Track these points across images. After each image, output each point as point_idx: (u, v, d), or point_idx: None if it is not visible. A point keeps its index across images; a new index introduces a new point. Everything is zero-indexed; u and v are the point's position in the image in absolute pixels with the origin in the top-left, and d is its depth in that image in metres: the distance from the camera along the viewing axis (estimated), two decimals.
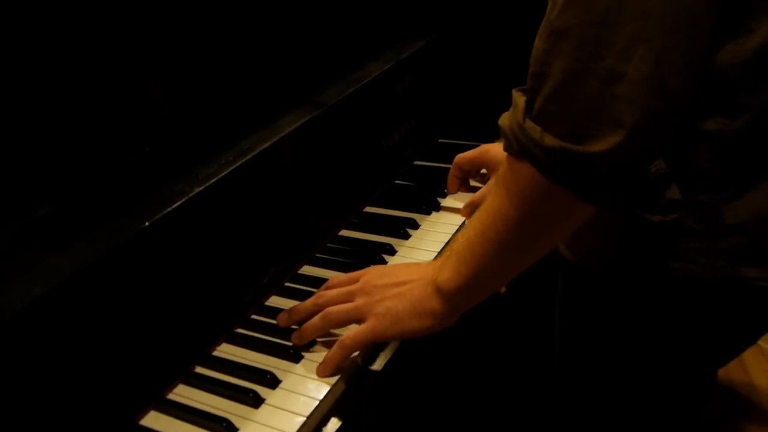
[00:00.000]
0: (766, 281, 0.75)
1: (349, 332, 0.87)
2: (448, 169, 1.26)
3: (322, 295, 0.92)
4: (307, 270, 1.05)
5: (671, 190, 0.72)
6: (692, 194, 0.74)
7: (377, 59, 1.30)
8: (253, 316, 0.97)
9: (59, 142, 0.89)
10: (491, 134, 1.42)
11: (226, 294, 0.94)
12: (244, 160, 0.97)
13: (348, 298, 0.90)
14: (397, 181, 1.28)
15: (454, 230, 1.13)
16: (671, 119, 0.66)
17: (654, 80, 0.63)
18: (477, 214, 0.81)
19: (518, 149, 0.71)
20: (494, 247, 0.78)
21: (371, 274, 0.92)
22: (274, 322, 0.94)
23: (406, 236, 1.12)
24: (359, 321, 0.88)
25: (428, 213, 1.18)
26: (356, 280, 0.92)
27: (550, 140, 0.68)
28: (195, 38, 1.03)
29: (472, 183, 1.26)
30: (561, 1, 0.66)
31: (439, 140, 1.42)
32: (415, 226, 1.14)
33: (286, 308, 0.95)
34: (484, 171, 1.25)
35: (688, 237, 0.75)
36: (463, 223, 1.15)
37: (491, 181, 1.19)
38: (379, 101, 1.25)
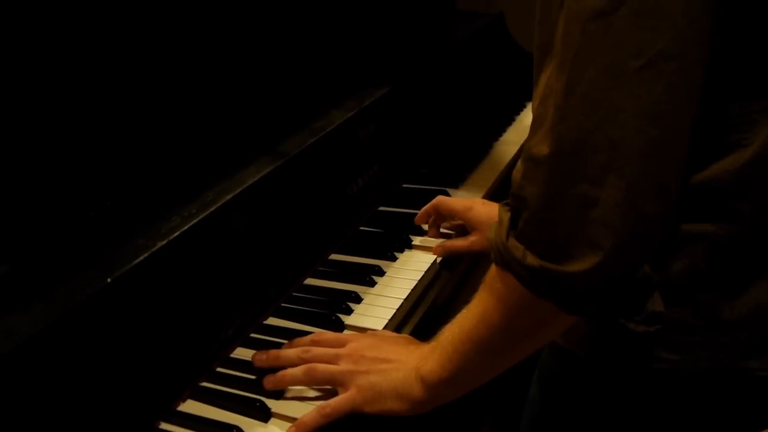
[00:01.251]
0: (766, 371, 0.76)
1: (331, 401, 0.87)
2: (413, 214, 1.27)
3: (309, 350, 0.92)
4: (273, 321, 1.05)
5: (654, 301, 0.74)
6: (691, 293, 0.75)
7: (340, 107, 1.31)
8: (219, 369, 0.96)
9: (17, 196, 0.88)
10: (456, 179, 1.44)
11: (191, 347, 0.93)
12: (207, 212, 0.97)
13: (334, 360, 0.91)
14: (362, 228, 1.28)
15: (419, 276, 1.13)
16: (649, 238, 0.68)
17: (627, 205, 0.65)
18: (464, 311, 0.83)
19: (503, 264, 0.74)
20: (477, 348, 0.81)
21: (361, 343, 0.92)
22: (240, 374, 0.94)
23: (372, 284, 1.11)
24: (340, 386, 0.89)
25: (393, 259, 1.18)
26: (344, 343, 0.92)
27: (531, 259, 0.70)
28: (154, 89, 1.03)
29: (443, 229, 1.26)
30: (540, 131, 0.69)
31: (404, 185, 1.43)
32: (381, 273, 1.14)
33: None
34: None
35: (688, 332, 0.76)
36: (434, 261, 1.17)
37: (471, 238, 1.20)
38: (343, 149, 1.26)
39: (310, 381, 0.90)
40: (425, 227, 1.26)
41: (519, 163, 0.74)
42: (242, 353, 0.98)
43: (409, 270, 1.16)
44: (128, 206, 0.98)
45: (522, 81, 1.87)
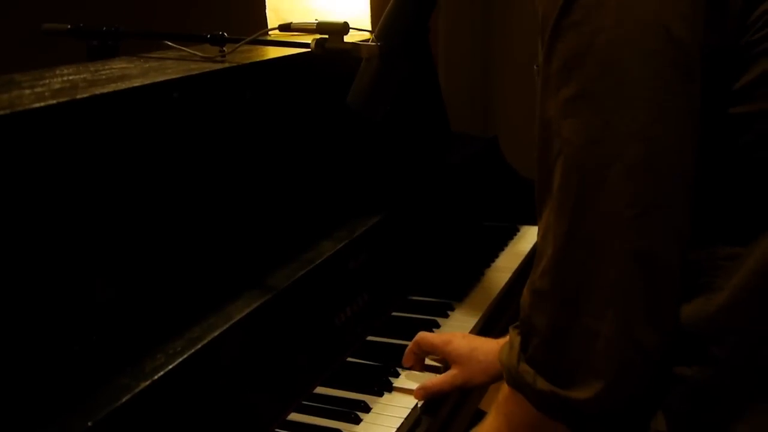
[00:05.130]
0: None
1: None
2: (402, 345, 1.27)
3: None
4: None
5: (657, 421, 0.77)
6: (676, 429, 0.79)
7: (330, 237, 1.32)
8: None
9: None
10: (446, 308, 1.44)
11: None
12: (192, 350, 0.97)
13: None
14: (349, 359, 1.28)
15: (405, 414, 1.12)
16: (647, 369, 0.73)
17: (626, 338, 0.71)
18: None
19: (515, 386, 0.79)
20: None
21: None
22: None
23: (357, 421, 1.11)
24: None
25: (380, 394, 1.18)
26: None
27: (541, 384, 0.76)
28: (141, 226, 1.04)
29: (428, 361, 1.27)
30: (541, 266, 0.76)
31: (393, 313, 1.43)
32: (367, 409, 1.13)
33: None
34: None
35: None
36: (415, 406, 1.15)
37: (451, 372, 1.20)
38: (332, 280, 1.27)
39: None
40: None
41: (525, 292, 0.79)
42: None
43: (394, 406, 1.15)
44: (113, 341, 0.98)
45: (515, 205, 1.90)
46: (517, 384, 0.79)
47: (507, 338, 0.85)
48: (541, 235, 0.77)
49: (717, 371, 0.76)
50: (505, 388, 0.83)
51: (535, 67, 0.79)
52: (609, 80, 0.70)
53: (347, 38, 1.19)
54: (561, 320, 0.74)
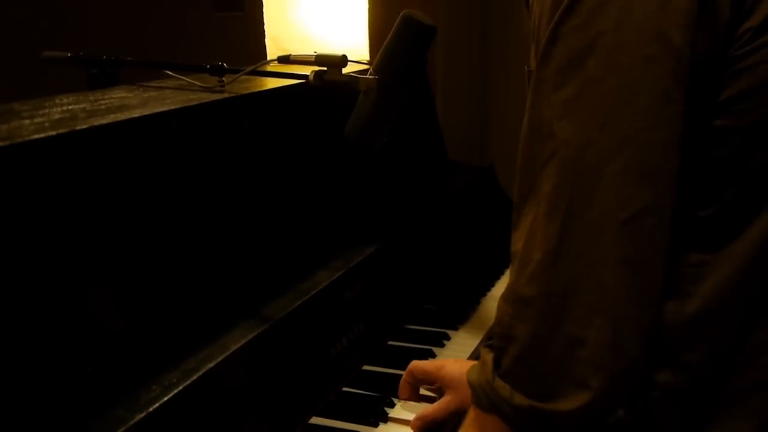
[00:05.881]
0: None
1: None
2: (398, 375, 1.27)
3: None
4: None
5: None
6: None
7: (326, 267, 1.32)
8: None
9: None
10: (442, 337, 1.44)
11: None
12: (188, 382, 0.97)
13: None
14: (344, 389, 1.28)
15: None
16: (633, 377, 0.73)
17: (614, 345, 0.71)
18: None
19: (488, 406, 0.78)
20: None
21: None
22: None
23: None
24: None
25: (375, 425, 1.17)
26: None
27: (519, 399, 0.75)
28: (138, 256, 1.05)
29: (423, 391, 1.26)
30: (527, 272, 0.75)
31: (389, 342, 1.43)
32: None
33: None
34: None
35: None
36: None
37: (445, 399, 1.20)
38: (328, 310, 1.27)
39: None
40: None
41: (503, 304, 0.79)
42: None
43: None
44: (108, 372, 0.98)
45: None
46: (492, 402, 0.77)
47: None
48: (524, 242, 0.77)
49: (690, 377, 0.77)
50: (470, 415, 0.81)
51: (526, 68, 0.80)
52: (608, 83, 0.71)
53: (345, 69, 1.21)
54: (544, 328, 0.74)
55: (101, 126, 1.01)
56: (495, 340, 0.79)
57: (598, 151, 0.71)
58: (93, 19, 3.27)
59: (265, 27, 1.92)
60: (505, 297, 0.79)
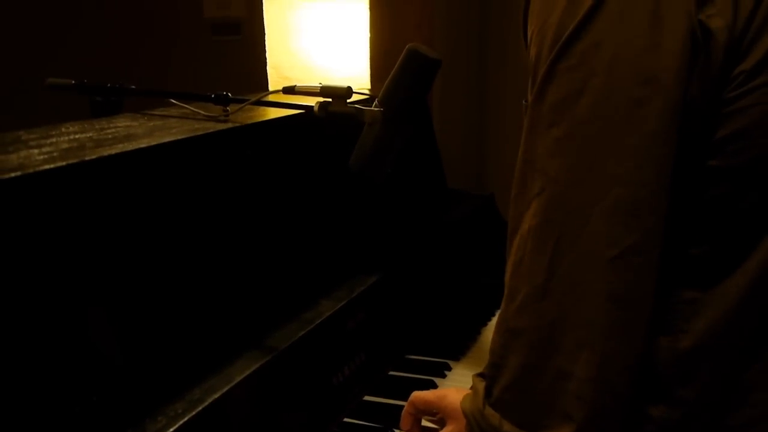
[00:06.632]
0: None
1: None
2: (399, 406, 1.26)
3: None
4: None
5: None
6: None
7: (329, 296, 1.33)
8: None
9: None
10: (443, 367, 1.45)
11: None
12: (194, 413, 0.97)
13: None
14: (346, 419, 1.28)
15: None
16: (618, 412, 0.74)
17: (599, 380, 0.72)
18: None
19: None
20: None
21: None
22: None
23: None
24: None
25: None
26: None
27: (508, 427, 0.77)
28: (144, 286, 1.05)
29: (424, 423, 1.26)
30: (515, 304, 0.76)
31: (390, 373, 1.43)
32: None
33: None
34: None
35: None
36: None
37: (447, 429, 1.20)
38: (331, 340, 1.27)
39: None
40: None
41: (494, 334, 0.80)
42: None
43: None
44: (114, 403, 0.98)
45: None
46: (482, 430, 0.79)
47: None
48: (512, 273, 0.78)
49: (684, 413, 0.77)
50: None
51: (523, 102, 0.81)
52: (598, 124, 0.73)
53: None
54: (533, 359, 0.75)
55: (109, 156, 1.02)
56: (487, 369, 0.81)
57: (587, 189, 0.73)
58: (88, 43, 3.29)
59: (267, 55, 1.94)
60: (496, 327, 0.81)
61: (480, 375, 0.84)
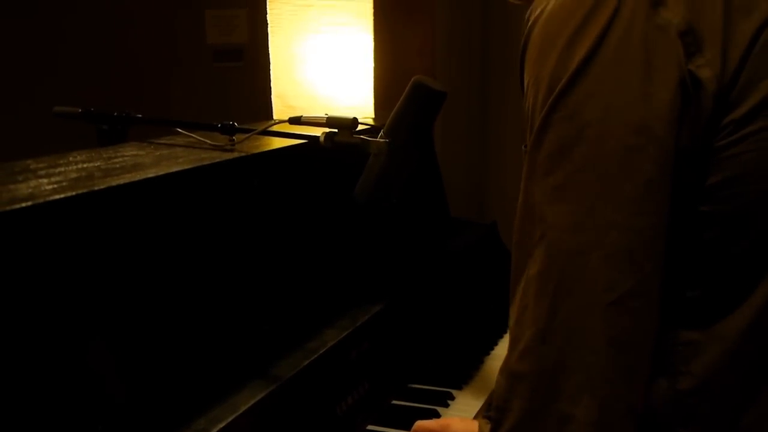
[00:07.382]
0: None
1: None
2: None
3: None
4: None
5: None
6: None
7: (333, 326, 1.33)
8: None
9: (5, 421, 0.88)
10: (446, 396, 1.45)
11: None
12: None
13: None
14: None
15: None
16: None
17: (601, 423, 0.74)
18: None
19: None
20: None
21: None
22: None
23: None
24: None
25: None
26: None
27: None
28: (150, 316, 1.05)
29: None
30: (518, 349, 0.78)
31: (393, 402, 1.43)
32: None
33: None
34: None
35: None
36: None
37: None
38: (335, 369, 1.27)
39: None
40: None
41: (499, 377, 0.82)
42: None
43: None
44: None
45: None
46: None
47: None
48: (516, 319, 0.80)
49: None
50: None
51: (523, 147, 0.83)
52: (594, 172, 0.74)
53: None
54: (536, 403, 0.76)
55: (118, 186, 1.03)
56: (492, 412, 0.82)
57: (585, 235, 0.74)
58: (89, 70, 3.31)
59: (272, 84, 1.95)
60: (501, 370, 0.83)
61: (486, 417, 0.85)
